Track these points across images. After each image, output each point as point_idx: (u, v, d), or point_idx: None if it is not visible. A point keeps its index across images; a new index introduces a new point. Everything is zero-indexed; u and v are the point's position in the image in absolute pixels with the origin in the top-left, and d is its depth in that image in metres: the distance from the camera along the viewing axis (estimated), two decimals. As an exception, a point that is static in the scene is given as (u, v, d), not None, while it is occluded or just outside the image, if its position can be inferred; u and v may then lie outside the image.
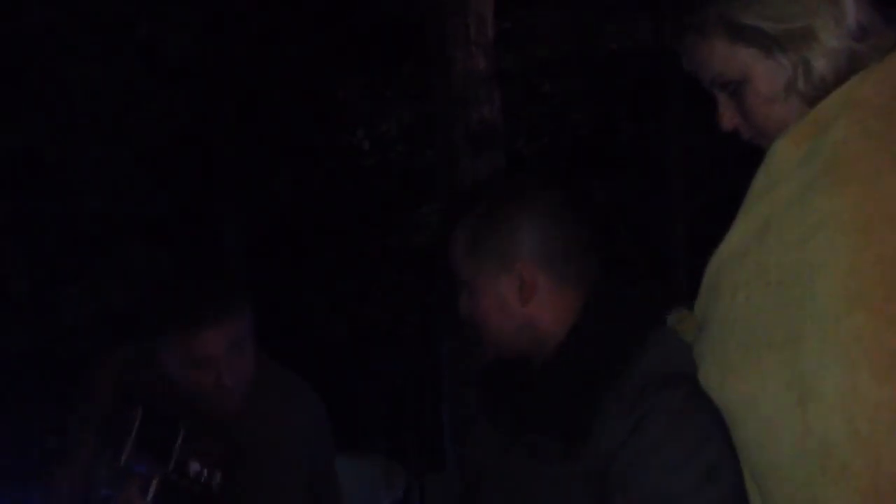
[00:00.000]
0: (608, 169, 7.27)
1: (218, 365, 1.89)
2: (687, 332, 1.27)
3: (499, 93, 4.57)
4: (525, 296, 1.40)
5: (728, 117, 1.12)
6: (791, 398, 0.98)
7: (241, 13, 7.23)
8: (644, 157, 7.45)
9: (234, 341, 1.89)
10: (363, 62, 7.19)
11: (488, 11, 4.50)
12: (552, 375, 1.42)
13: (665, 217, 6.99)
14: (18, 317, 7.17)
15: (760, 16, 1.04)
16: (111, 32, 6.85)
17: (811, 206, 0.99)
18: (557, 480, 1.38)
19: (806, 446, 0.97)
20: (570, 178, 6.98)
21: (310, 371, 2.23)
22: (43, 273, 7.23)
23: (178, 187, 7.39)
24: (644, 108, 7.42)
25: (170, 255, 6.68)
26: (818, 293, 0.97)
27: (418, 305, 7.05)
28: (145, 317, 2.01)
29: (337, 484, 2.26)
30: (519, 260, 1.40)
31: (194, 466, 1.87)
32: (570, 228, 1.42)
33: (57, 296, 7.22)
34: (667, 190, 7.09)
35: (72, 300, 7.13)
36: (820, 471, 0.95)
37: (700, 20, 1.08)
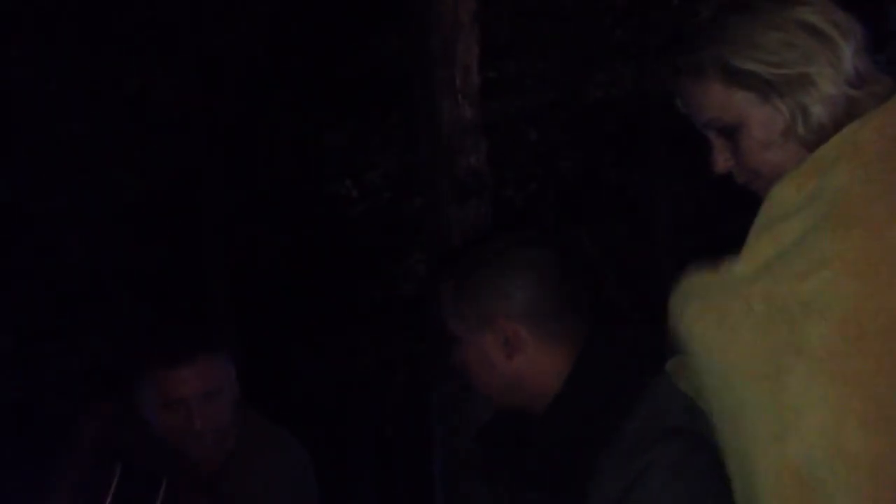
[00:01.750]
0: (595, 215, 7.29)
1: (189, 407, 1.86)
2: (683, 380, 1.25)
3: (485, 141, 4.59)
4: (509, 351, 1.39)
5: (722, 160, 1.10)
6: (770, 431, 0.96)
7: (229, 65, 7.28)
8: (630, 203, 7.48)
9: (209, 386, 1.87)
10: (350, 112, 7.23)
11: (474, 61, 4.54)
12: (546, 432, 1.39)
13: (652, 262, 7.00)
14: (1, 372, 7.09)
15: (757, 60, 1.03)
16: (98, 86, 6.87)
17: (815, 246, 0.97)
18: None
19: (783, 481, 0.94)
20: (557, 224, 6.99)
21: (298, 422, 2.19)
22: (26, 328, 7.16)
23: (164, 240, 7.37)
24: (629, 154, 7.48)
25: (154, 307, 6.63)
26: (811, 330, 0.95)
27: (407, 354, 7.00)
28: (125, 366, 1.99)
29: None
30: (501, 316, 1.38)
31: None
32: (556, 285, 1.40)
33: (40, 351, 7.15)
34: (653, 235, 7.11)
35: (55, 355, 7.05)
36: None
37: (696, 62, 1.07)
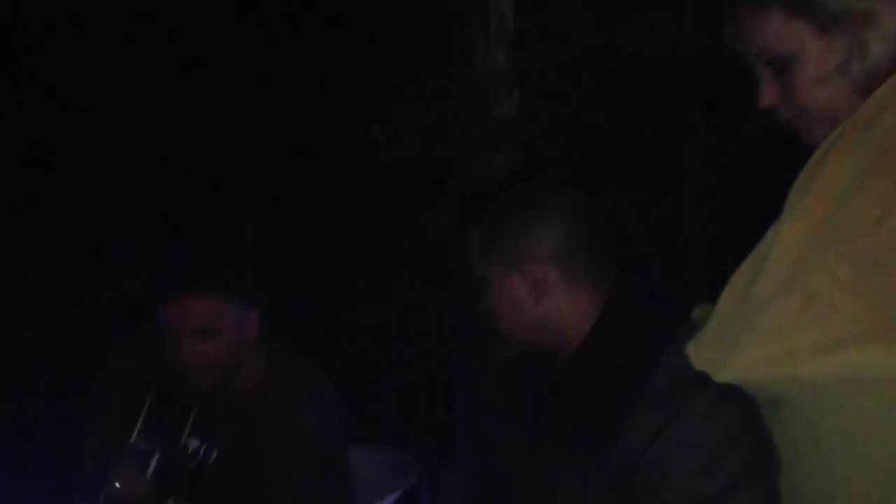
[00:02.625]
0: (625, 170, 7.23)
1: (182, 340, 1.91)
2: None
3: (518, 90, 4.55)
4: (538, 294, 1.41)
5: (769, 95, 1.07)
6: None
7: (260, 8, 7.22)
8: (661, 158, 7.41)
9: (204, 323, 1.91)
10: (381, 58, 7.17)
11: (509, 8, 4.48)
12: (579, 374, 1.40)
13: (681, 218, 6.95)
14: (30, 308, 7.18)
15: None
16: (130, 24, 6.85)
17: (880, 191, 0.94)
18: (583, 481, 1.36)
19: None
20: (587, 178, 6.94)
21: (324, 363, 2.22)
22: (55, 264, 7.24)
23: (193, 180, 7.39)
24: (662, 109, 7.39)
25: (182, 247, 6.68)
26: None
27: (433, 300, 7.03)
28: (150, 299, 2.03)
29: (348, 471, 2.25)
30: (530, 259, 1.40)
31: (192, 443, 1.90)
32: (584, 230, 1.42)
33: (69, 287, 7.23)
34: (683, 191, 7.05)
35: (84, 291, 7.14)
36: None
37: None
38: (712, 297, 1.19)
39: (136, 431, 1.96)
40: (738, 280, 1.08)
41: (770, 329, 1.02)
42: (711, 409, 1.26)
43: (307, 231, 7.79)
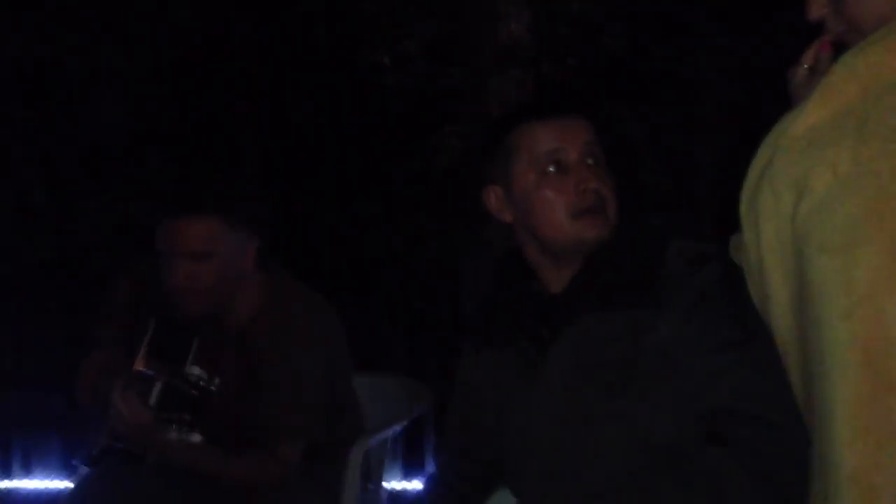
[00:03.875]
0: (638, 93, 7.09)
1: (175, 262, 1.89)
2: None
3: (528, 9, 4.42)
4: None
5: (818, 5, 1.01)
6: (839, 307, 0.90)
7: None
8: (675, 82, 7.26)
9: (195, 246, 1.88)
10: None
11: (519, -76, 4.32)
12: (614, 256, 1.51)
13: (696, 143, 6.84)
14: (37, 228, 7.17)
15: None
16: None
17: None
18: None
19: (849, 358, 0.90)
20: (599, 101, 6.82)
21: (329, 292, 2.18)
22: (62, 185, 7.21)
23: (198, 103, 7.30)
24: (676, 31, 7.21)
25: (186, 169, 6.64)
26: None
27: (439, 226, 6.99)
28: (151, 222, 2.00)
29: (356, 399, 2.24)
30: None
31: (195, 370, 1.90)
32: None
33: (76, 208, 7.21)
34: (697, 116, 6.93)
35: (89, 213, 7.12)
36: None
37: None
38: (722, 218, 1.16)
39: (139, 358, 1.95)
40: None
41: None
42: (726, 277, 1.38)
43: (311, 157, 7.71)
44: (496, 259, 1.73)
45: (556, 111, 1.60)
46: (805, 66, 1.10)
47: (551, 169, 1.54)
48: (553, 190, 1.54)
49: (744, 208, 1.01)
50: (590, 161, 1.56)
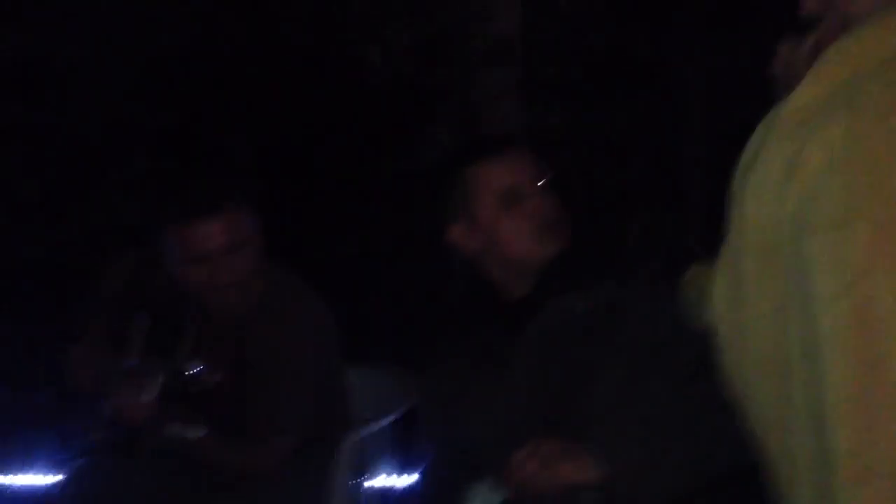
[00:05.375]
0: (625, 92, 7.12)
1: (212, 261, 1.90)
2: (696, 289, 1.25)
3: (517, 7, 4.46)
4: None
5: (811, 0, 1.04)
6: (835, 286, 0.91)
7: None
8: (662, 81, 7.30)
9: (233, 239, 1.90)
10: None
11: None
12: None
13: (682, 141, 6.88)
14: (25, 226, 7.15)
15: None
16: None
17: None
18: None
19: (848, 333, 0.91)
20: (587, 99, 6.85)
21: (320, 286, 2.20)
22: (51, 183, 7.18)
23: (187, 99, 7.28)
24: (665, 28, 7.24)
25: (176, 166, 6.63)
26: (891, 171, 0.88)
27: (428, 223, 6.99)
28: (151, 220, 2.01)
29: (345, 391, 2.26)
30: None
31: (195, 365, 1.92)
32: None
33: (64, 206, 7.18)
34: (684, 115, 6.97)
35: (78, 210, 7.09)
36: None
37: None
38: (709, 221, 1.18)
39: (133, 352, 1.96)
40: None
41: None
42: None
43: (299, 154, 7.71)
44: (459, 279, 1.87)
45: (503, 147, 1.77)
46: (795, 48, 1.11)
47: (509, 200, 1.71)
48: (514, 218, 1.72)
49: (735, 187, 1.02)
50: (540, 186, 1.73)
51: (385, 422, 2.35)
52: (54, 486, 4.10)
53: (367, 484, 2.34)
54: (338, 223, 7.98)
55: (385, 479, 3.46)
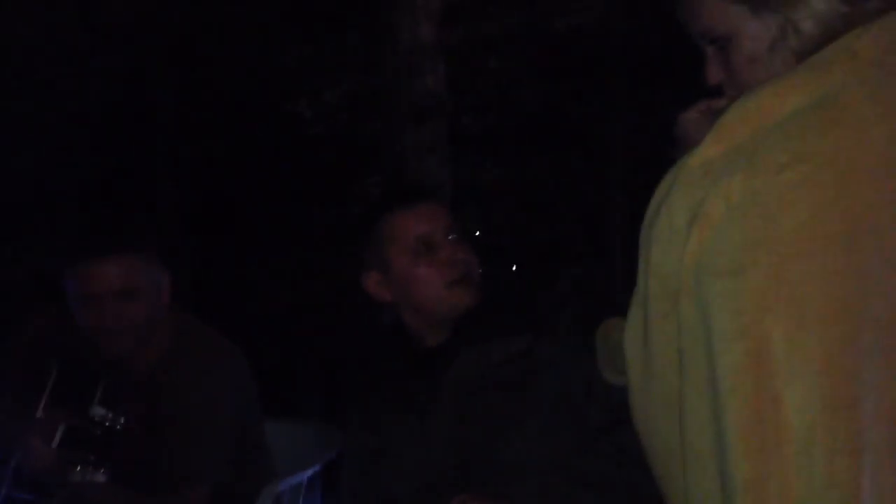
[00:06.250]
0: (552, 147, 7.28)
1: (102, 303, 1.88)
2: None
3: (444, 64, 4.53)
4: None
5: (714, 72, 1.11)
6: (733, 328, 0.96)
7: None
8: (588, 137, 7.48)
9: (123, 283, 1.88)
10: (308, 30, 7.08)
11: (436, -19, 4.44)
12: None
13: (606, 196, 7.03)
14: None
15: None
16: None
17: (799, 138, 0.96)
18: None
19: (741, 375, 0.96)
20: (515, 155, 6.98)
21: (247, 340, 2.19)
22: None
23: (115, 152, 7.22)
24: (590, 87, 7.45)
25: (101, 219, 6.54)
26: (784, 224, 0.94)
27: (351, 273, 6.99)
28: (59, 266, 1.99)
29: (265, 445, 2.24)
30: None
31: (99, 411, 1.88)
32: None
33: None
34: (607, 170, 7.13)
35: (1, 263, 6.93)
36: None
37: None
38: (631, 268, 1.22)
39: (41, 404, 1.92)
40: None
41: None
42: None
43: (231, 206, 7.68)
44: (380, 328, 1.89)
45: (417, 199, 1.77)
46: (698, 111, 1.19)
47: (422, 249, 1.70)
48: (426, 267, 1.71)
49: (642, 237, 1.07)
50: (452, 237, 1.73)
51: (305, 474, 2.33)
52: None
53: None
54: (268, 276, 7.94)
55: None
